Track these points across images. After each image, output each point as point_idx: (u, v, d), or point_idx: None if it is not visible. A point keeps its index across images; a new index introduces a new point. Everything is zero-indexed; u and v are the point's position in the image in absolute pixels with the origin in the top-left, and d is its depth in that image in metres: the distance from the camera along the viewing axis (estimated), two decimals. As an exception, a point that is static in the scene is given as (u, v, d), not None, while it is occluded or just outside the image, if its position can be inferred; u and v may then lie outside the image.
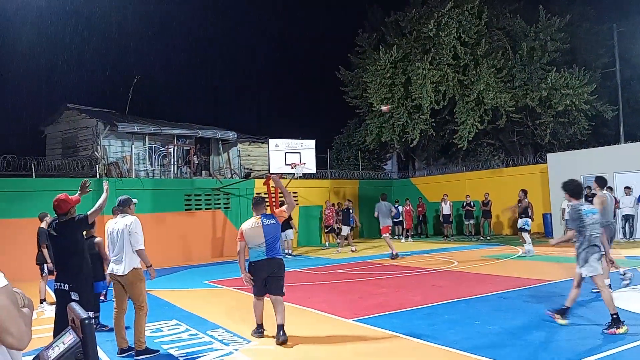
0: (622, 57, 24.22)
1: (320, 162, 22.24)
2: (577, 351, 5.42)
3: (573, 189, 6.81)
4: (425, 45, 24.25)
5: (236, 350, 6.21)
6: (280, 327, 6.54)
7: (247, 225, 6.93)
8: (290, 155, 17.91)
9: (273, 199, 18.60)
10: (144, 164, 19.70)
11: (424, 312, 7.85)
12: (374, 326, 7.04)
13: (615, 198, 17.16)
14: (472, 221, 20.84)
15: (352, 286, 10.77)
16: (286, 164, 17.81)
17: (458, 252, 16.21)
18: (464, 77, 23.36)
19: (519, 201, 15.15)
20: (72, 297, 5.40)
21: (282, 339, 6.42)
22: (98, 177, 16.86)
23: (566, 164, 18.74)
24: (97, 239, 7.71)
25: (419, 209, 22.93)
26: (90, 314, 5.31)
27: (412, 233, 22.63)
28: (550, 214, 19.27)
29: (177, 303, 9.59)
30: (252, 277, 6.74)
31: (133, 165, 18.74)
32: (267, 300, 6.83)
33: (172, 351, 6.30)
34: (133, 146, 19.25)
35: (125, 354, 6.19)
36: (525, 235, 14.48)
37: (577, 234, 6.51)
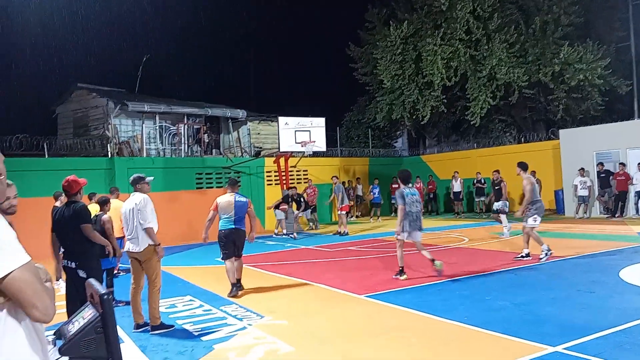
0: (637, 31, 23.65)
1: (330, 140, 22.19)
2: (590, 326, 5.43)
3: (404, 177, 8.87)
4: (436, 20, 23.92)
5: (250, 325, 6.30)
6: (238, 280, 8.25)
7: (222, 199, 8.34)
8: (300, 134, 17.89)
9: (283, 178, 18.68)
10: (154, 142, 19.77)
11: (435, 288, 7.90)
12: (385, 302, 7.10)
13: (628, 174, 17.08)
14: (482, 198, 20.71)
15: (364, 263, 10.85)
16: (296, 142, 17.80)
17: (469, 229, 16.22)
18: (476, 52, 23.05)
19: (497, 183, 14.49)
20: (80, 275, 5.54)
21: (238, 291, 8.14)
22: (110, 156, 16.96)
23: (579, 140, 18.58)
24: (104, 216, 7.80)
25: (429, 187, 22.88)
26: None
27: (423, 210, 22.59)
28: (562, 191, 19.16)
29: (190, 279, 9.71)
30: (223, 243, 8.23)
31: (144, 144, 18.81)
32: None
33: (187, 326, 6.41)
34: (144, 125, 19.31)
35: (141, 329, 6.30)
36: (504, 218, 14.06)
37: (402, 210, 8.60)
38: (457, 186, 21.30)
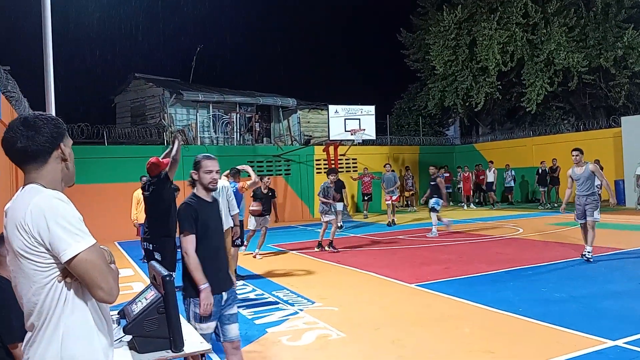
0: None
1: (380, 128, 22.03)
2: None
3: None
4: (492, 4, 23.24)
5: (301, 310, 6.40)
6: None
7: None
8: (350, 122, 17.84)
9: (333, 166, 18.70)
10: (208, 131, 20.20)
11: (488, 279, 7.77)
12: (436, 291, 7.04)
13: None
14: (546, 189, 19.80)
15: (414, 252, 10.77)
16: (345, 130, 17.77)
17: (523, 220, 15.81)
18: (534, 36, 22.29)
19: (433, 179, 13.35)
20: (156, 257, 5.80)
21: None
22: (165, 144, 17.45)
23: (642, 128, 17.70)
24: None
25: (480, 177, 22.28)
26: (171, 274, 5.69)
27: (476, 200, 22.17)
28: (623, 181, 18.36)
29: (242, 265, 9.91)
30: None
31: (198, 132, 19.25)
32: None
33: (240, 310, 6.56)
34: (198, 114, 19.75)
35: None
36: (434, 216, 13.10)
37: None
38: (490, 176, 20.69)
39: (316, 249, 11.24)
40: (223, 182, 6.93)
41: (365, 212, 19.53)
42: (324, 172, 19.85)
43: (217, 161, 3.81)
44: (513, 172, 21.24)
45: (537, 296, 6.57)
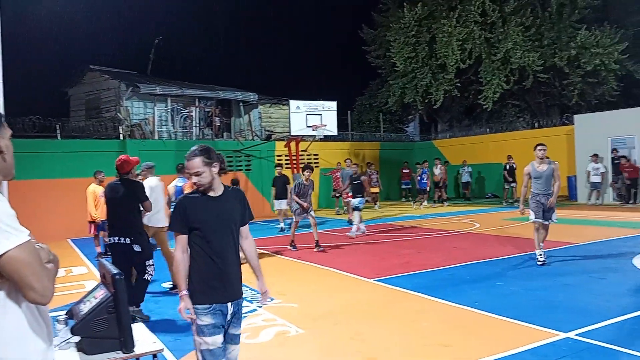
0: (655, 14, 23.20)
1: (342, 124, 22.08)
2: (603, 313, 5.39)
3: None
4: (451, 2, 23.61)
5: (260, 307, 6.33)
6: None
7: None
8: (312, 117, 17.80)
9: (294, 161, 18.65)
10: (166, 125, 19.81)
11: (445, 273, 7.88)
12: (396, 286, 7.09)
13: (634, 164, 16.80)
14: (515, 184, 19.86)
15: (373, 247, 10.83)
16: (307, 126, 17.72)
17: (480, 215, 16.14)
18: (491, 35, 22.77)
19: (357, 177, 12.99)
20: (135, 249, 5.94)
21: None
22: (121, 138, 17.01)
23: (593, 126, 18.33)
24: None
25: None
26: (150, 261, 5.96)
27: (438, 197, 22.47)
28: (575, 177, 18.97)
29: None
30: None
31: (156, 126, 18.84)
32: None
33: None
34: (155, 108, 19.33)
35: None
36: (357, 215, 12.53)
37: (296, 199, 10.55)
38: (437, 173, 20.92)
39: (315, 250, 10.49)
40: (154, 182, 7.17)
41: (337, 207, 19.51)
42: (285, 168, 19.81)
43: (200, 159, 3.31)
44: (470, 168, 21.65)
45: (493, 290, 6.70)
